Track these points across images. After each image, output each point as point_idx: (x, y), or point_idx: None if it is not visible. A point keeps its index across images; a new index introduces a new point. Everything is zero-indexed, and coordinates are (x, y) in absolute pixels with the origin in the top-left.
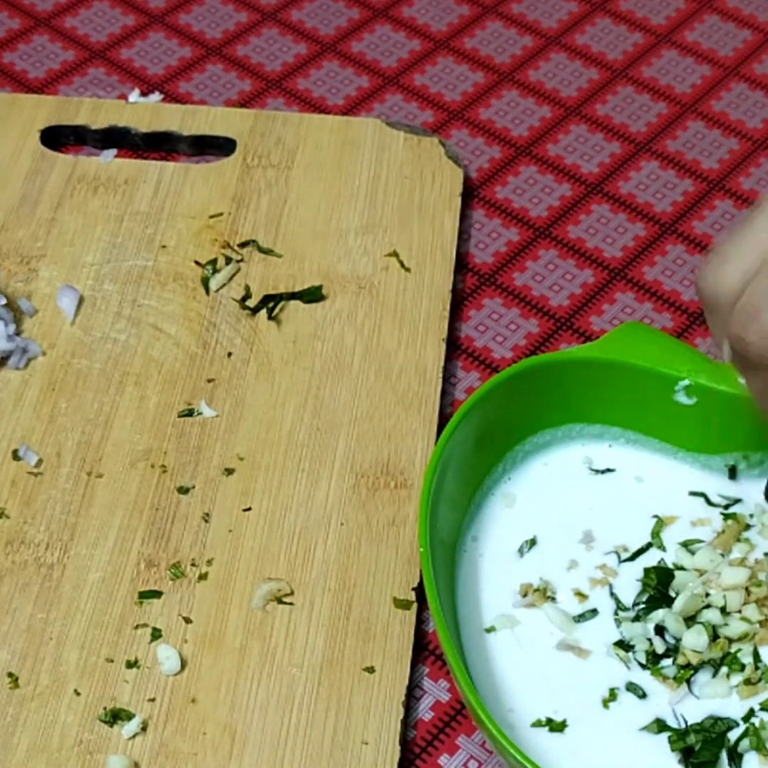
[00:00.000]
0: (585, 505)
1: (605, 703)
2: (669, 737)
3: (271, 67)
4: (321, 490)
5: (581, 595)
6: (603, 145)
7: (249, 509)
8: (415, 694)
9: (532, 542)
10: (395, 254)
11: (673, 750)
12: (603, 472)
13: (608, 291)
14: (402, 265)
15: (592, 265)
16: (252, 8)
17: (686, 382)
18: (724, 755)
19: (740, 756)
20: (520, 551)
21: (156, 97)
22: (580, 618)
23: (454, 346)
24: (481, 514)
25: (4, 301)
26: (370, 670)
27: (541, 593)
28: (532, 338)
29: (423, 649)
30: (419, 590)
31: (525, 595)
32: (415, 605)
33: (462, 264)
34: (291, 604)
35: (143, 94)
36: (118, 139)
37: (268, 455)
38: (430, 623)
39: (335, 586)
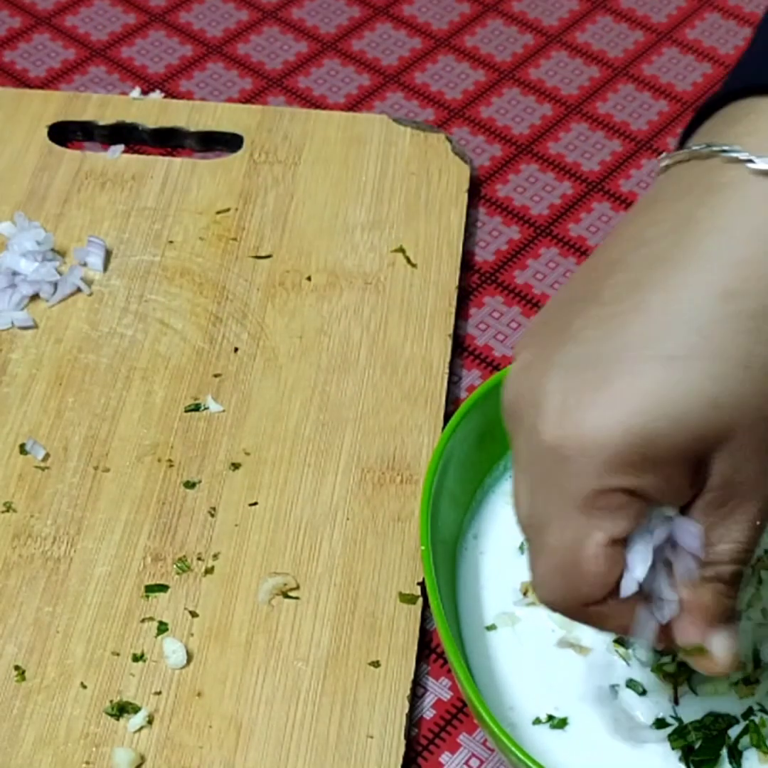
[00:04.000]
0: None
1: (604, 699)
2: (669, 735)
3: (271, 65)
4: (327, 484)
5: None
6: (604, 143)
7: (255, 504)
8: (417, 692)
9: None
10: (402, 250)
11: (673, 748)
12: None
13: None
14: (408, 260)
15: None
16: (252, 6)
17: None
18: (724, 753)
19: (740, 753)
20: (521, 548)
21: (156, 95)
22: None
23: (455, 345)
24: (482, 512)
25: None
26: (376, 664)
27: None
28: None
29: (425, 647)
30: (423, 586)
31: (525, 593)
32: (420, 600)
33: (463, 262)
34: (297, 598)
35: (144, 92)
36: (126, 135)
37: (274, 450)
38: (431, 621)
39: (341, 581)
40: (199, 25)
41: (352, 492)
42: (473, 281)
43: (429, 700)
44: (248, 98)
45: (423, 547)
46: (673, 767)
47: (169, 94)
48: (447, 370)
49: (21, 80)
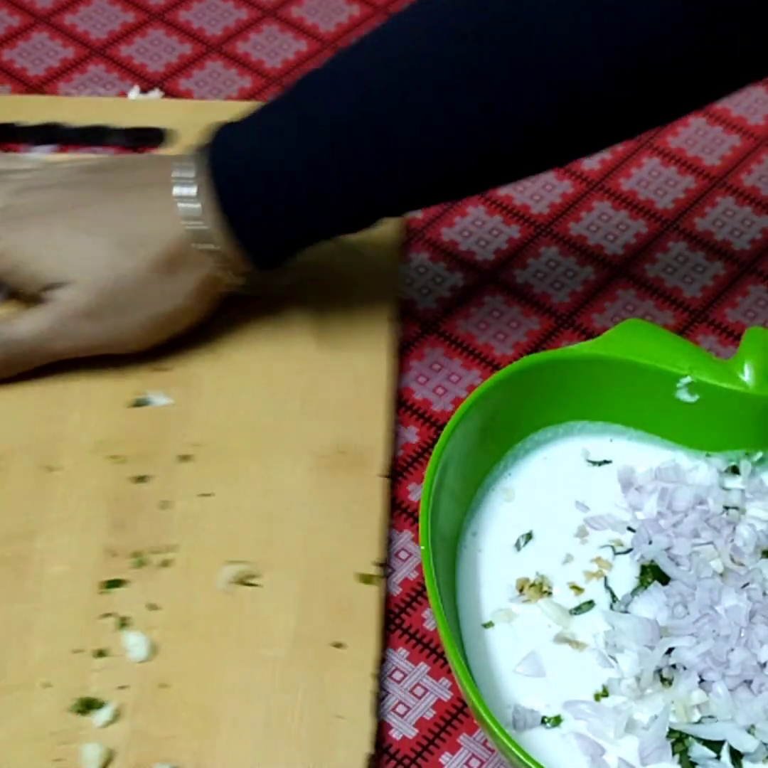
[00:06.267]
0: (581, 497)
1: (601, 696)
2: (668, 735)
3: (271, 64)
4: (279, 471)
5: (577, 589)
6: None
7: (209, 494)
8: (417, 693)
9: (529, 536)
10: None
11: (674, 748)
12: (600, 463)
13: (609, 288)
14: (348, 244)
15: (593, 262)
16: (252, 5)
17: (688, 379)
18: (724, 754)
19: (741, 755)
20: (517, 545)
21: (156, 94)
22: (577, 611)
23: (455, 344)
24: (481, 510)
25: None
26: (340, 645)
27: (536, 588)
28: (533, 336)
29: (425, 647)
30: (381, 566)
31: (521, 590)
32: (379, 580)
33: (463, 261)
34: (257, 585)
35: (143, 91)
36: (52, 135)
37: (224, 440)
38: (431, 621)
39: (300, 566)
40: (198, 24)
41: (305, 477)
42: (473, 280)
43: (429, 700)
44: (248, 97)
45: (423, 547)
46: (671, 766)
47: (169, 93)
48: (391, 352)
49: (20, 79)
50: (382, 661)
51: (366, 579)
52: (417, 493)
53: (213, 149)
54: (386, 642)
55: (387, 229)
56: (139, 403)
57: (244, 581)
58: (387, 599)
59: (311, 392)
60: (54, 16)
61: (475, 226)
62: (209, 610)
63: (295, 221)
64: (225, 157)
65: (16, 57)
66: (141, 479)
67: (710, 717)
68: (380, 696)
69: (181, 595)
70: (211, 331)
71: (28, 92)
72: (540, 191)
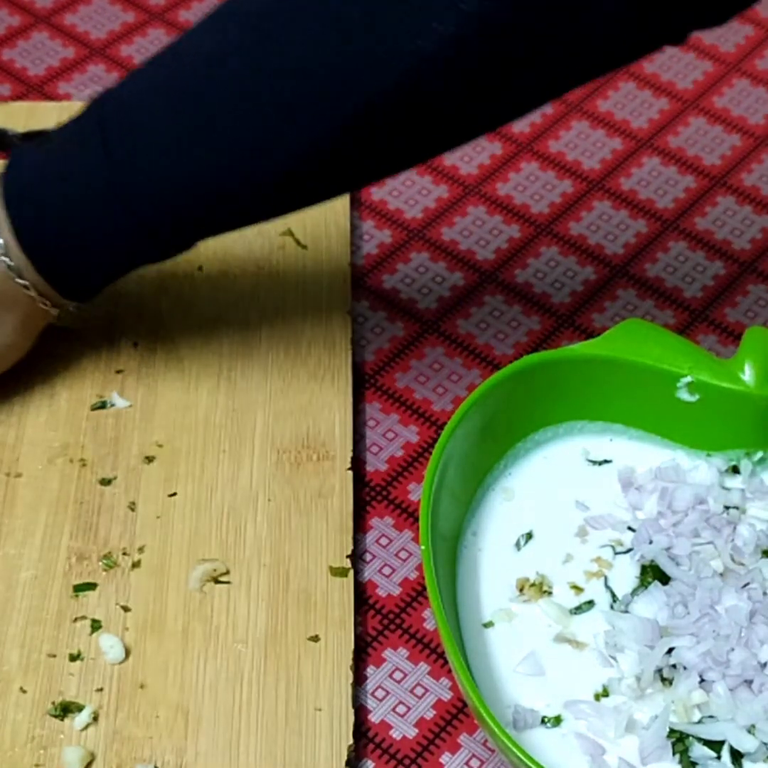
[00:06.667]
0: (581, 497)
1: (602, 696)
2: (668, 735)
3: None
4: (244, 468)
5: (577, 588)
6: (604, 141)
7: (174, 494)
8: (417, 693)
9: (529, 536)
10: (290, 233)
11: (674, 751)
12: (600, 463)
13: (610, 288)
14: (298, 242)
15: (593, 262)
16: None
17: (688, 379)
18: (724, 754)
19: (741, 755)
20: (517, 545)
21: None
22: (577, 610)
23: (455, 343)
24: (481, 509)
25: None
26: (315, 638)
27: (537, 588)
28: (533, 335)
29: (425, 647)
30: (352, 558)
31: (521, 590)
32: (351, 572)
33: (463, 261)
34: (228, 582)
35: None
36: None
37: (187, 440)
38: (431, 621)
39: (270, 561)
40: None
41: (270, 473)
42: (473, 280)
43: (429, 700)
44: None
45: (423, 547)
46: (671, 765)
47: None
48: (350, 346)
49: (20, 79)
50: (382, 660)
51: (339, 572)
52: (417, 493)
53: (6, 177)
54: (387, 641)
55: (334, 223)
56: (100, 406)
57: (215, 579)
58: (387, 599)
59: (271, 388)
60: (54, 16)
61: (475, 226)
62: (182, 609)
63: (94, 252)
64: (16, 187)
65: (16, 57)
66: (106, 482)
67: (710, 717)
68: (380, 696)
69: (153, 595)
70: (164, 331)
71: (28, 92)
72: (540, 191)
